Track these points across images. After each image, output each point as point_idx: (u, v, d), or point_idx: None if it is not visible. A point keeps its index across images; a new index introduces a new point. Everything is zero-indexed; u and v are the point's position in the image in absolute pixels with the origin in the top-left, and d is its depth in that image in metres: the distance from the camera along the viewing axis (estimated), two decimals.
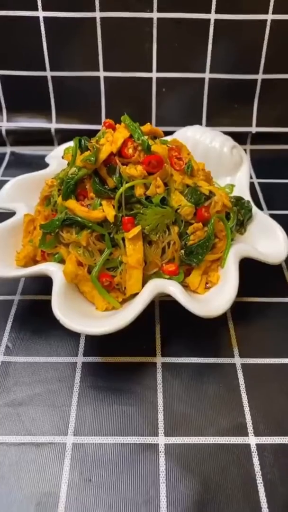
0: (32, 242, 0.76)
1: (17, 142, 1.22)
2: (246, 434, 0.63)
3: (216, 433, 0.62)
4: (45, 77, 1.13)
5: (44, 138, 1.20)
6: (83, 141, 0.73)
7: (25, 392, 0.67)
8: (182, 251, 0.72)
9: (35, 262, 0.76)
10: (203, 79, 1.13)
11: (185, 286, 0.71)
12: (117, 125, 0.74)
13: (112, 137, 0.70)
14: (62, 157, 0.78)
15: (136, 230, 0.67)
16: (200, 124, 1.15)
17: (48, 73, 1.13)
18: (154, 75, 1.12)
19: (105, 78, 1.13)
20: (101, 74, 1.12)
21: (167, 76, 1.13)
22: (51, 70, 1.12)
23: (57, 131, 1.20)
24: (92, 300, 0.70)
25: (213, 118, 1.16)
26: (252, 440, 0.62)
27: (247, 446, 0.62)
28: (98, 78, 1.13)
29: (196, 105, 1.16)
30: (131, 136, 0.71)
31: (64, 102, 1.16)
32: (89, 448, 0.62)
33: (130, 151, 0.70)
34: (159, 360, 0.71)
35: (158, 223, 0.69)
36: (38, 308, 0.79)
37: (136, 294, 0.66)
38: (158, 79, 1.13)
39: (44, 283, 0.74)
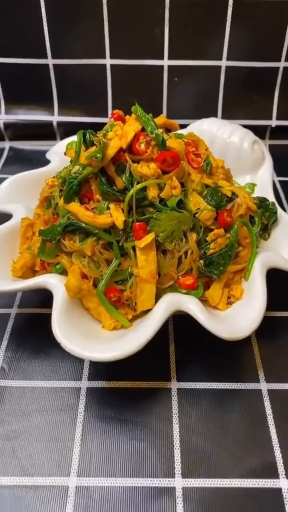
0: (30, 249, 0.70)
1: (16, 137, 1.17)
2: (277, 476, 0.56)
3: (241, 474, 0.56)
4: (47, 65, 1.07)
5: (46, 132, 1.15)
6: (88, 135, 0.67)
7: (21, 423, 0.61)
8: (201, 261, 0.65)
9: (33, 272, 0.71)
10: (219, 67, 1.07)
11: (204, 301, 0.66)
12: (127, 117, 0.68)
13: (121, 131, 0.64)
14: (65, 153, 0.72)
15: (149, 238, 0.61)
16: (215, 117, 1.09)
17: (50, 61, 1.06)
18: (166, 62, 1.05)
19: (112, 66, 1.06)
20: (108, 62, 1.06)
21: (180, 63, 1.06)
22: (53, 57, 1.05)
23: (60, 124, 1.14)
24: (98, 317, 0.65)
25: (230, 110, 1.10)
26: (284, 483, 0.55)
27: (278, 491, 0.55)
28: (104, 66, 1.07)
29: (211, 96, 1.10)
30: (143, 129, 0.64)
31: (67, 92, 1.11)
32: (95, 492, 0.55)
33: (142, 146, 0.63)
34: (174, 385, 0.65)
35: (173, 229, 0.63)
36: (38, 323, 0.73)
37: (149, 310, 0.61)
38: (170, 67, 1.06)
39: (44, 294, 0.67)
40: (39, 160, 1.01)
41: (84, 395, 0.65)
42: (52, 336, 0.57)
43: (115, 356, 0.55)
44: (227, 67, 1.07)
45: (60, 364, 0.68)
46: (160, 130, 0.67)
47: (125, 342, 0.57)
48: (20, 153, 1.18)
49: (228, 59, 1.05)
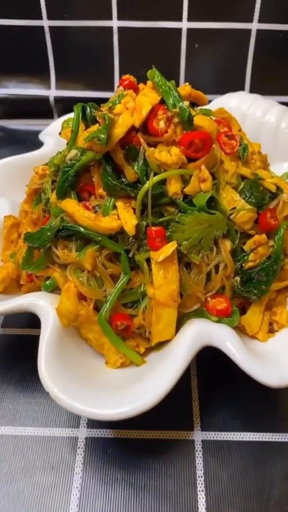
0: (14, 257, 0.61)
1: (7, 114, 1.08)
2: None
3: None
4: (41, 27, 0.98)
5: (41, 109, 1.07)
6: (88, 109, 0.56)
7: (0, 488, 0.52)
8: (237, 278, 0.55)
9: (19, 285, 0.62)
10: (249, 30, 0.96)
11: (237, 328, 0.56)
12: (141, 85, 0.58)
13: (133, 103, 0.53)
14: (60, 134, 0.63)
15: (169, 248, 0.50)
16: (243, 88, 1.02)
17: (45, 22, 0.97)
18: (185, 25, 0.96)
19: (120, 29, 0.97)
20: (114, 23, 0.96)
21: (201, 26, 0.96)
22: (49, 18, 0.96)
23: (58, 100, 1.06)
24: (101, 351, 0.55)
25: (260, 84, 1.01)
26: None
27: None
28: (110, 29, 0.97)
29: (238, 66, 1.00)
30: (162, 102, 0.53)
31: (67, 61, 1.03)
32: None
33: (161, 124, 0.51)
34: (198, 436, 0.56)
35: (202, 236, 0.52)
36: (25, 348, 0.63)
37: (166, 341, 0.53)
38: (189, 30, 0.97)
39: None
40: (34, 142, 0.90)
41: (82, 448, 0.55)
42: None
43: (124, 414, 0.45)
44: (259, 31, 0.96)
45: (52, 405, 0.59)
46: (186, 103, 0.50)
47: (137, 391, 0.47)
48: (11, 134, 1.09)
49: (260, 20, 0.95)
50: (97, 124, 0.54)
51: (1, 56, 1.03)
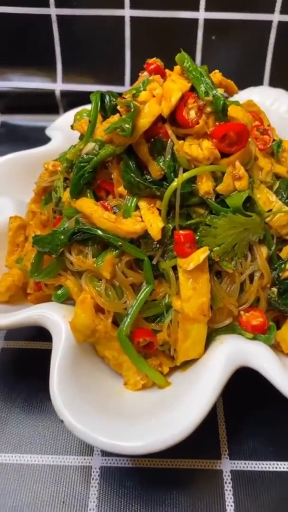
0: (21, 263, 0.57)
1: (9, 109, 1.04)
2: None
3: None
4: (48, 16, 0.94)
5: (46, 104, 1.03)
6: (108, 97, 0.52)
7: None
8: (274, 288, 0.51)
9: (25, 294, 0.57)
10: (270, 22, 0.92)
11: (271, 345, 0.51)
12: (167, 71, 0.53)
13: (161, 90, 0.48)
14: (72, 127, 0.59)
15: (200, 255, 0.46)
16: (262, 83, 0.97)
17: (52, 10, 0.93)
18: (202, 15, 0.91)
19: (132, 19, 0.93)
20: (126, 12, 0.92)
21: (219, 17, 0.92)
22: (57, 6, 0.92)
23: (64, 94, 1.02)
24: (118, 370, 0.51)
25: (280, 78, 0.95)
26: None
27: None
28: (121, 19, 0.93)
29: (257, 60, 0.96)
30: (192, 89, 0.49)
31: (74, 53, 0.98)
32: None
33: (192, 114, 0.47)
34: (227, 466, 0.52)
35: (236, 242, 0.48)
36: (31, 363, 0.61)
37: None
38: (206, 21, 0.92)
39: None
40: (38, 139, 0.87)
41: (96, 479, 0.51)
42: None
43: (151, 447, 0.40)
44: (280, 23, 0.91)
45: (62, 429, 0.54)
46: (220, 90, 0.45)
47: (164, 421, 0.42)
48: (14, 130, 1.04)
49: (282, 12, 0.90)
50: (117, 114, 0.49)
51: (4, 47, 0.99)
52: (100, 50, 0.98)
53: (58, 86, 1.02)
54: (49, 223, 0.56)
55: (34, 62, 1.01)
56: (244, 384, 0.56)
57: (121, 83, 0.99)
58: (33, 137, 0.97)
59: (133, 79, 0.97)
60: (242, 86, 0.81)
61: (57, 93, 1.02)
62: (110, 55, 0.98)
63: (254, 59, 0.96)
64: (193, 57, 0.95)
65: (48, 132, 0.82)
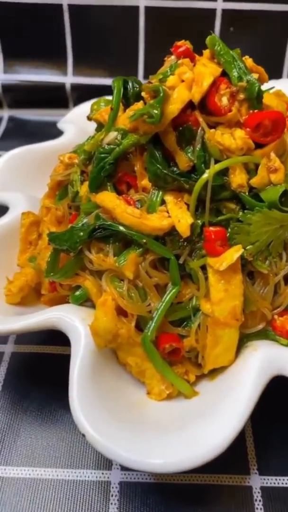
0: (34, 262, 0.55)
1: (17, 103, 1.03)
2: None
3: None
4: (59, 6, 0.92)
5: (56, 98, 1.01)
6: (131, 83, 0.49)
7: None
8: None
9: (38, 295, 0.55)
10: None
11: None
12: (197, 56, 0.49)
13: (191, 74, 0.46)
14: (89, 117, 0.57)
15: (233, 254, 0.43)
16: (280, 76, 0.95)
17: (64, 0, 0.91)
18: (220, 5, 0.89)
19: (147, 9, 0.91)
20: (141, 2, 0.90)
21: (238, 7, 0.90)
22: None
23: (74, 87, 1.00)
24: (141, 378, 0.48)
25: None
26: None
27: None
28: (136, 9, 0.91)
29: (277, 52, 0.93)
30: (224, 74, 0.46)
31: (86, 44, 0.97)
32: None
33: (224, 101, 0.45)
34: (256, 482, 0.49)
35: (271, 239, 0.45)
36: (43, 368, 0.58)
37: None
38: (224, 12, 0.90)
39: None
40: (47, 134, 0.85)
41: (116, 495, 0.47)
42: (65, 392, 0.41)
43: (181, 465, 0.37)
44: None
45: (78, 441, 0.51)
46: (255, 75, 0.42)
47: (195, 436, 0.39)
48: (22, 125, 1.03)
49: None
50: (141, 102, 0.46)
51: (13, 38, 0.97)
52: (113, 41, 0.96)
53: (69, 79, 1.00)
54: (64, 219, 0.53)
55: (44, 54, 0.99)
56: (273, 393, 0.54)
57: (135, 76, 0.95)
58: (42, 132, 0.95)
59: (147, 72, 0.95)
60: None
61: (67, 86, 1.00)
62: (123, 47, 0.96)
63: (274, 51, 0.93)
64: None
65: (60, 125, 0.80)
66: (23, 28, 0.95)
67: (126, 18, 0.92)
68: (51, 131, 0.84)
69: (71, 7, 0.91)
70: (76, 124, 0.74)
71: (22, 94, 1.02)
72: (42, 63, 1.00)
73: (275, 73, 0.92)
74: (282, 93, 0.57)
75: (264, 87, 0.67)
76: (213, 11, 0.90)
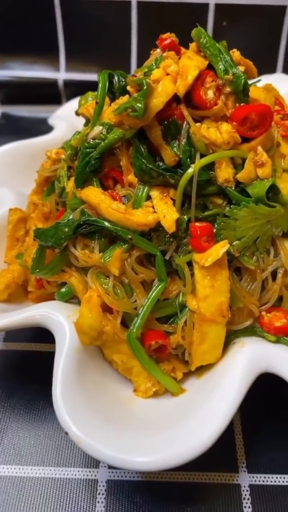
0: (21, 258, 0.54)
1: (10, 99, 1.02)
2: None
3: None
4: (51, 1, 0.91)
5: (49, 94, 1.00)
6: (116, 77, 0.48)
7: None
8: None
9: (26, 292, 0.55)
10: (284, 7, 0.89)
11: None
12: (183, 49, 0.49)
13: (176, 67, 0.44)
14: (77, 113, 0.56)
15: (219, 249, 0.42)
16: (275, 71, 0.94)
17: None
18: (212, 0, 0.88)
19: (139, 4, 0.90)
20: None
21: (231, 1, 0.89)
22: None
23: (67, 83, 0.99)
24: (128, 375, 0.47)
25: None
26: None
27: None
28: (128, 4, 0.90)
29: (270, 46, 0.92)
30: (210, 67, 0.45)
31: (78, 40, 0.96)
32: None
33: (210, 94, 0.44)
34: (245, 479, 0.49)
35: (258, 235, 0.44)
36: (31, 366, 0.58)
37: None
38: (217, 6, 0.89)
39: None
40: (40, 130, 0.85)
41: (103, 494, 0.47)
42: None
43: (166, 463, 0.36)
44: None
45: (65, 439, 0.51)
46: (241, 68, 0.41)
47: (180, 433, 0.39)
48: (15, 121, 1.01)
49: None
50: (127, 96, 0.45)
51: (5, 33, 0.96)
52: (105, 37, 0.95)
53: (61, 75, 0.99)
54: (51, 215, 0.52)
55: (36, 50, 0.98)
56: (262, 390, 0.53)
57: (127, 71, 0.94)
58: (35, 128, 0.93)
59: (140, 67, 0.94)
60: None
61: (60, 82, 0.99)
62: (116, 42, 0.95)
63: (268, 46, 0.92)
64: None
65: (51, 121, 0.79)
66: (15, 24, 0.94)
67: (119, 13, 0.90)
68: (44, 128, 0.83)
69: (63, 2, 0.90)
70: (67, 119, 0.73)
71: (14, 90, 1.01)
72: (35, 59, 0.99)
73: (269, 68, 0.91)
74: (272, 87, 0.56)
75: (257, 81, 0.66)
76: (206, 5, 0.88)
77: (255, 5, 0.88)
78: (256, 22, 0.90)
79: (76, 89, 0.97)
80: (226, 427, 0.38)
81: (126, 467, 0.37)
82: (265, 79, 0.77)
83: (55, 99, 1.00)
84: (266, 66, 0.91)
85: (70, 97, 0.98)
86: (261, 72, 0.80)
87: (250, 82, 0.51)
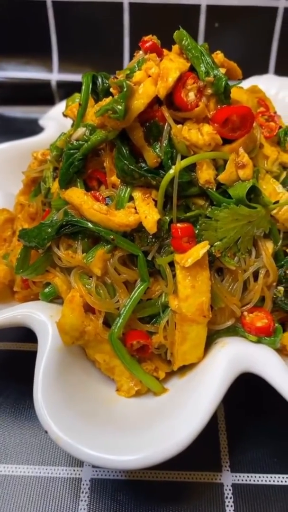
0: (7, 258, 0.54)
1: (3, 100, 1.03)
2: None
3: None
4: (43, 2, 0.92)
5: (42, 95, 1.02)
6: (100, 79, 0.48)
7: None
8: (281, 287, 0.47)
9: (12, 292, 0.54)
10: (275, 9, 0.90)
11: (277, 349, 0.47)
12: (164, 51, 0.49)
13: (157, 69, 0.45)
14: (64, 114, 0.56)
15: (199, 250, 0.43)
16: (266, 73, 0.94)
17: None
18: (204, 1, 0.90)
19: (131, 5, 0.91)
20: None
21: (223, 3, 0.90)
22: None
23: (60, 84, 1.01)
24: (110, 375, 0.47)
25: (286, 65, 0.95)
26: None
27: None
28: (120, 5, 0.91)
29: (262, 48, 0.94)
30: (192, 69, 0.45)
31: (71, 41, 0.98)
32: None
33: (191, 96, 0.44)
34: (228, 479, 0.49)
35: (239, 236, 0.45)
36: (18, 366, 0.57)
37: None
38: (209, 8, 0.91)
39: None
40: (34, 131, 0.86)
41: (86, 492, 0.47)
42: None
43: (145, 461, 0.37)
44: (287, 9, 0.90)
45: (50, 439, 0.47)
46: (222, 70, 0.41)
47: (160, 432, 0.39)
48: (9, 122, 1.03)
49: None
50: (110, 97, 0.45)
51: None
52: (98, 38, 0.95)
53: (54, 76, 0.99)
54: (37, 216, 0.52)
55: (29, 51, 0.99)
56: (248, 390, 0.54)
57: None
58: (28, 129, 0.92)
59: None
60: (246, 75, 0.78)
61: (53, 83, 0.99)
62: (109, 43, 0.95)
63: (259, 47, 0.93)
64: None
65: (42, 122, 0.79)
66: (8, 26, 0.94)
67: (111, 14, 0.91)
68: (37, 128, 0.83)
69: (55, 3, 0.91)
70: (58, 120, 0.73)
71: (8, 91, 1.01)
72: (28, 60, 0.99)
73: (261, 69, 0.92)
74: (258, 88, 0.57)
75: (242, 85, 0.67)
76: (197, 7, 0.89)
77: (247, 6, 0.89)
78: (247, 23, 0.91)
79: (69, 90, 0.93)
80: (205, 425, 0.38)
81: (105, 465, 0.37)
82: (255, 80, 0.78)
83: (49, 100, 1.00)
84: (258, 67, 0.92)
85: (63, 98, 0.99)
86: (252, 73, 0.82)
87: (232, 83, 0.51)
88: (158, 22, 0.90)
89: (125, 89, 0.40)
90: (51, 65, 0.99)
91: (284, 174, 0.48)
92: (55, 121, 0.74)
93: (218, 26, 0.91)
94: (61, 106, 0.79)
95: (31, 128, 0.93)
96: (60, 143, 0.50)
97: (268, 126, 0.50)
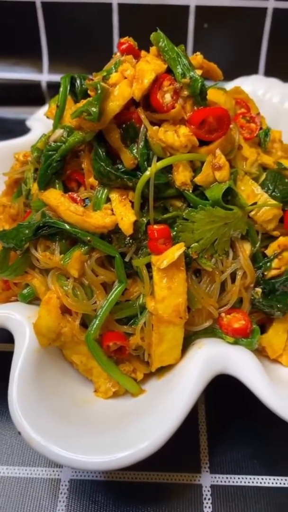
0: None
1: None
2: None
3: None
4: (32, 3, 0.91)
5: (32, 95, 1.00)
6: (78, 80, 0.49)
7: None
8: (258, 289, 0.47)
9: None
10: (265, 9, 0.90)
11: (256, 349, 0.48)
12: (143, 52, 0.49)
13: (133, 71, 0.45)
14: (46, 115, 0.56)
15: (175, 251, 0.43)
16: (256, 73, 0.94)
17: None
18: (193, 2, 0.89)
19: (120, 6, 0.90)
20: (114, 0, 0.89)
21: (211, 3, 0.89)
22: None
23: (51, 85, 0.99)
24: (88, 376, 0.47)
25: (276, 68, 0.93)
26: None
27: None
28: (109, 6, 0.90)
29: (251, 48, 0.93)
30: (169, 71, 0.45)
31: (61, 42, 0.96)
32: None
33: (168, 98, 0.44)
34: (207, 480, 0.48)
35: (216, 237, 0.45)
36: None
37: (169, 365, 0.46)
38: (198, 8, 0.90)
39: None
40: (24, 132, 0.85)
41: (65, 493, 0.47)
42: None
43: (120, 462, 0.37)
44: (276, 10, 0.89)
45: None
46: (198, 72, 0.41)
47: (136, 432, 0.39)
48: (0, 123, 1.01)
49: None
50: (88, 98, 0.45)
51: None
52: (88, 39, 0.94)
53: (44, 77, 0.99)
54: (18, 217, 0.52)
55: (19, 52, 0.97)
56: (229, 392, 0.53)
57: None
58: (18, 130, 0.91)
59: None
60: (236, 75, 0.79)
61: (43, 84, 0.99)
62: (98, 44, 0.94)
63: (249, 48, 0.92)
64: (184, 45, 0.91)
65: (29, 123, 0.79)
66: None
67: (100, 15, 0.90)
68: (28, 129, 0.82)
69: (44, 4, 0.90)
70: (45, 121, 0.72)
71: None
72: (17, 61, 0.98)
73: (250, 69, 0.91)
74: (240, 90, 0.56)
75: (229, 86, 0.67)
76: (186, 7, 0.88)
77: (236, 7, 0.88)
78: (237, 24, 0.90)
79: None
80: (179, 425, 0.39)
81: (79, 466, 0.37)
82: (242, 81, 0.78)
83: (39, 101, 0.99)
84: (247, 67, 0.91)
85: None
86: (242, 74, 0.82)
87: (210, 85, 0.51)
88: (147, 23, 0.88)
89: (99, 91, 0.40)
90: (41, 65, 0.98)
91: (263, 176, 0.48)
92: (42, 122, 0.73)
93: (207, 27, 0.90)
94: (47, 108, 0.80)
95: (21, 129, 0.91)
96: (40, 145, 0.50)
97: (248, 127, 0.50)
